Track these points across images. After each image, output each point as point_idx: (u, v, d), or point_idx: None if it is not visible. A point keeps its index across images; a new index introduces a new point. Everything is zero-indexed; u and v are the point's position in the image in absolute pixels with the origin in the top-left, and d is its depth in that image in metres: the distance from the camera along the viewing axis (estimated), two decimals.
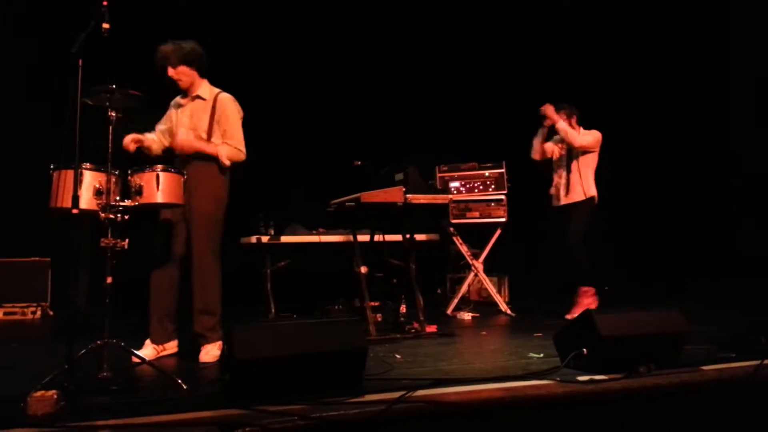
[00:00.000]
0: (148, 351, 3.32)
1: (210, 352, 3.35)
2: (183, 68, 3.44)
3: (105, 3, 2.62)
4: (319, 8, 6.88)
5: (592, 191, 4.96)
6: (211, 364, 3.24)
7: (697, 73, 7.20)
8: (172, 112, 3.62)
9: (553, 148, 5.16)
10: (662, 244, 7.32)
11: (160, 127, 3.64)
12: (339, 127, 6.70)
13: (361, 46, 7.04)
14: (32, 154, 4.66)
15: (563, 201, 5.03)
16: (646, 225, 7.39)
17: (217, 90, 3.56)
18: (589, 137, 4.96)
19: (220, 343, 3.35)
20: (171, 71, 3.43)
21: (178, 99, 3.60)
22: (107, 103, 2.80)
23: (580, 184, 4.94)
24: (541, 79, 7.32)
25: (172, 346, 3.50)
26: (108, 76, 2.79)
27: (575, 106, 5.04)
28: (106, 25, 2.62)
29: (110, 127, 2.81)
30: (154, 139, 3.57)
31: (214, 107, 3.47)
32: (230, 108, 3.51)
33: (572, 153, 5.03)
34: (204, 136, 3.46)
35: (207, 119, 3.46)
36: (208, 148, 3.43)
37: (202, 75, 3.53)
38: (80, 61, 2.54)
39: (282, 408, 2.13)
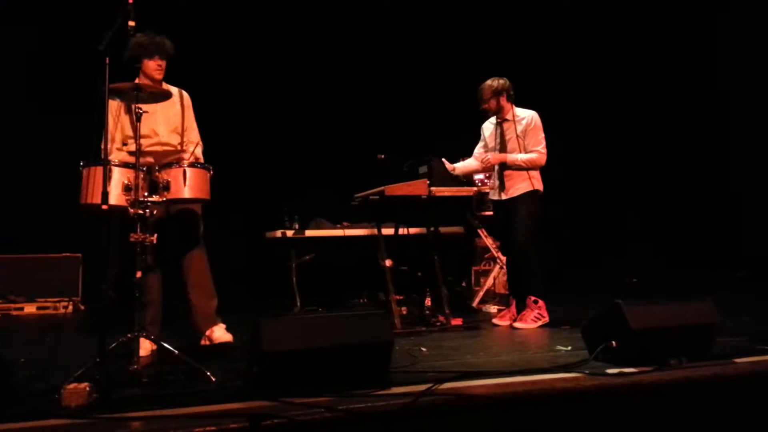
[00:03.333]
0: (144, 347, 3.28)
1: (225, 333, 3.50)
2: (165, 63, 3.48)
3: (131, 1, 2.64)
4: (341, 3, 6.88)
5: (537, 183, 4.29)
6: (233, 352, 3.36)
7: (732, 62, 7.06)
8: (122, 110, 3.47)
9: (483, 155, 4.43)
10: (698, 235, 7.21)
11: (113, 140, 3.49)
12: (363, 121, 6.69)
13: (382, 41, 7.03)
14: (62, 151, 4.74)
15: (504, 196, 4.33)
16: (683, 216, 7.29)
17: (175, 87, 3.62)
18: (540, 144, 4.21)
19: (223, 324, 3.51)
20: (159, 60, 3.43)
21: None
22: (135, 101, 2.84)
23: (525, 175, 4.24)
24: (569, 65, 7.25)
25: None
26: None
27: (504, 78, 4.26)
28: (132, 23, 2.64)
29: (138, 124, 2.84)
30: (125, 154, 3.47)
31: (182, 104, 3.59)
32: (191, 104, 3.67)
33: (509, 146, 4.31)
34: (180, 131, 3.57)
35: (180, 115, 3.56)
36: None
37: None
38: (107, 59, 2.57)
39: (309, 400, 2.15)
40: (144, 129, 3.38)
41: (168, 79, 3.55)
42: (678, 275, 6.75)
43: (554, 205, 5.14)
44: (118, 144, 3.48)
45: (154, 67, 3.43)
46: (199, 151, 3.57)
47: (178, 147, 3.53)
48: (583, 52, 7.25)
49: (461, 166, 4.54)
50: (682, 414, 2.49)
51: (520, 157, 4.24)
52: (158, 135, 3.50)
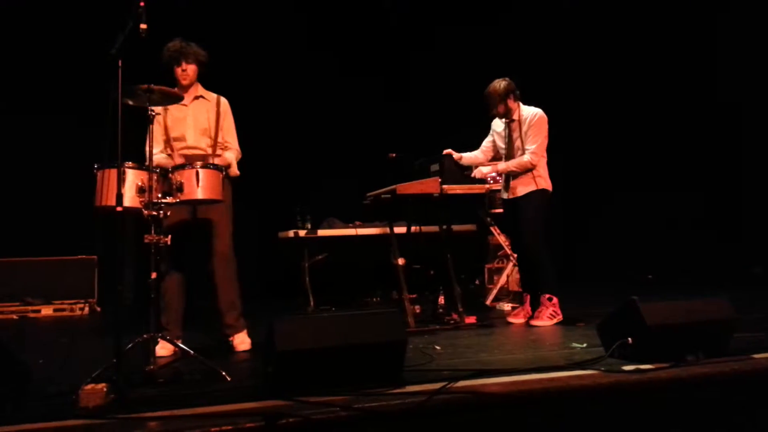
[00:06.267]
0: (166, 347, 3.33)
1: (244, 341, 3.56)
2: (194, 66, 3.57)
3: (142, 3, 2.65)
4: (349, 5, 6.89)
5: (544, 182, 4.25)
6: (250, 352, 3.45)
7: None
8: (161, 116, 3.53)
9: (496, 147, 4.49)
10: (714, 231, 7.14)
11: (158, 144, 3.56)
12: (374, 120, 6.70)
13: (391, 41, 7.03)
14: (77, 154, 4.77)
15: (510, 195, 4.33)
16: (700, 211, 7.22)
17: (214, 93, 3.69)
18: (535, 143, 4.16)
19: (246, 330, 3.58)
20: (184, 65, 3.53)
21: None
22: (147, 103, 2.86)
23: (530, 175, 4.21)
24: (578, 65, 7.20)
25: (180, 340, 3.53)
26: (147, 76, 2.84)
27: (507, 79, 4.22)
28: (143, 26, 2.65)
29: (150, 126, 2.87)
30: (165, 158, 3.56)
31: (218, 110, 3.63)
32: (230, 112, 3.72)
33: (515, 145, 4.30)
34: (212, 135, 3.60)
35: (214, 120, 3.62)
36: (225, 161, 3.56)
37: (198, 79, 3.66)
38: (120, 62, 2.59)
39: (324, 399, 2.15)
40: (176, 132, 3.56)
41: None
42: (694, 271, 6.69)
43: (567, 201, 5.12)
44: (161, 147, 3.61)
45: (178, 73, 3.55)
46: (231, 156, 3.61)
47: (208, 150, 3.56)
48: (584, 52, 7.20)
49: (468, 157, 4.53)
50: (700, 410, 2.47)
51: (511, 163, 4.26)
52: (186, 139, 3.56)
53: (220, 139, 3.63)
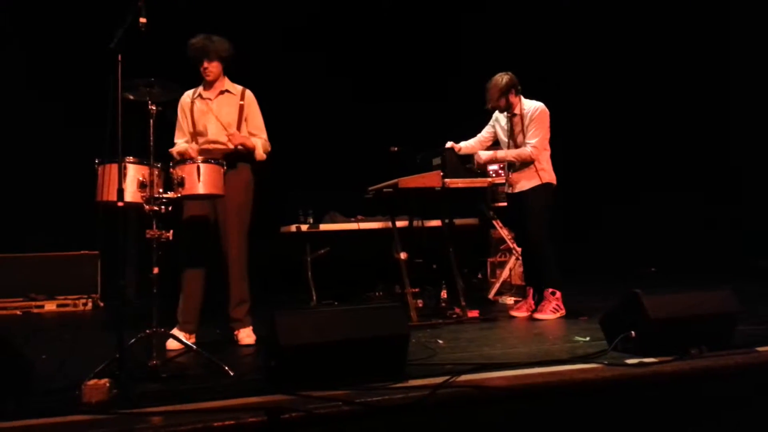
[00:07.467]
0: (171, 342, 3.30)
1: (249, 335, 3.56)
2: (216, 63, 3.55)
3: None
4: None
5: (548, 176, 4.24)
6: (254, 346, 3.44)
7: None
8: (188, 108, 3.63)
9: (495, 138, 4.51)
10: (720, 224, 7.12)
11: (183, 135, 3.66)
12: (375, 114, 6.67)
13: (392, 34, 7.00)
14: (79, 149, 4.75)
15: (515, 189, 4.33)
16: (705, 203, 7.20)
17: (240, 86, 3.69)
18: (536, 137, 4.16)
19: (252, 327, 3.58)
20: (206, 63, 3.52)
21: (200, 92, 3.63)
22: (148, 98, 2.85)
23: (533, 169, 4.21)
24: (580, 54, 7.17)
25: (194, 336, 3.55)
26: (147, 70, 2.83)
27: (509, 74, 4.22)
28: (143, 20, 2.64)
29: (151, 121, 2.86)
30: (191, 148, 3.61)
31: (242, 103, 3.62)
32: (256, 104, 3.71)
33: (517, 140, 4.30)
34: (233, 129, 3.59)
35: (236, 113, 3.61)
36: (250, 143, 3.58)
37: (225, 72, 3.65)
38: (119, 57, 2.58)
39: (327, 393, 2.15)
40: (199, 126, 3.60)
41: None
42: (698, 264, 6.67)
43: (571, 195, 5.10)
44: (187, 138, 3.65)
45: (201, 70, 3.55)
46: (256, 140, 3.59)
47: (229, 145, 3.55)
48: (583, 47, 7.17)
49: (466, 147, 4.52)
50: (704, 404, 2.46)
51: (511, 152, 4.25)
52: (207, 133, 3.57)
53: (244, 133, 3.62)
